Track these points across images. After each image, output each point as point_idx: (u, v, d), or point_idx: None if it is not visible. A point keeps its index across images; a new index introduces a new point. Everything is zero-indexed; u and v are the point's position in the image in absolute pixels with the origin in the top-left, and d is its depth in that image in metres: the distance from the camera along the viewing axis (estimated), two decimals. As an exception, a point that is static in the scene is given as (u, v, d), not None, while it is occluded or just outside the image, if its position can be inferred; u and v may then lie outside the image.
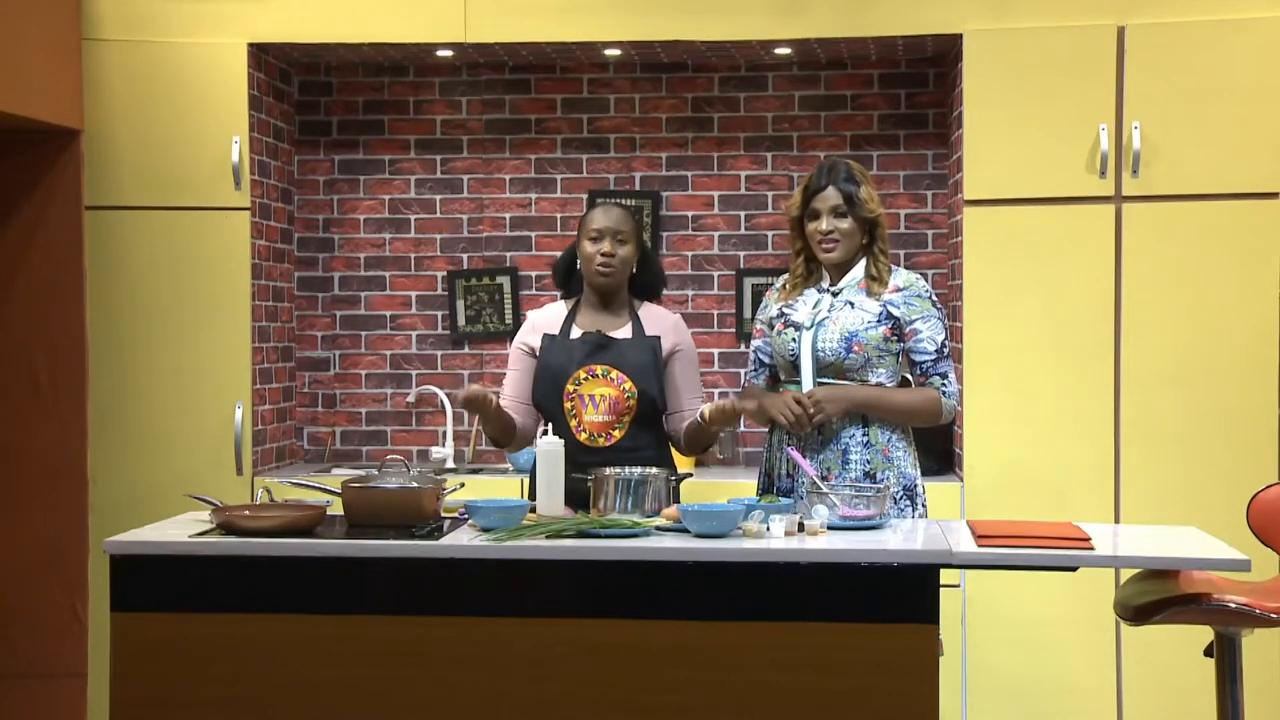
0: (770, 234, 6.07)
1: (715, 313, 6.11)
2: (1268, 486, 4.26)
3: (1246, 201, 5.27)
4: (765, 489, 4.43)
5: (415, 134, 6.20)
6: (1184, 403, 5.28)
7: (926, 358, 4.29)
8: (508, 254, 6.17)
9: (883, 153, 6.06)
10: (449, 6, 5.54)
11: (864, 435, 4.27)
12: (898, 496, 4.27)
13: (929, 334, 4.28)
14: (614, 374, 4.39)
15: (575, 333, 4.47)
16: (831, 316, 4.29)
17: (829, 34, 5.51)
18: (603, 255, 4.42)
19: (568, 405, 4.39)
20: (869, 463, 4.25)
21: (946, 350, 4.31)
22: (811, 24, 5.48)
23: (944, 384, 4.30)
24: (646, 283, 4.57)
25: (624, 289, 4.52)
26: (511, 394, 4.54)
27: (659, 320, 4.51)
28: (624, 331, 4.47)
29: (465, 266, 6.19)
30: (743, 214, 6.11)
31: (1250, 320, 5.26)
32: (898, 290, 4.30)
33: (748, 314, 6.03)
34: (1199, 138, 5.27)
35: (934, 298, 4.33)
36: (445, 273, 6.19)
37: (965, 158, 5.38)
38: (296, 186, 6.21)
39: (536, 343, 4.51)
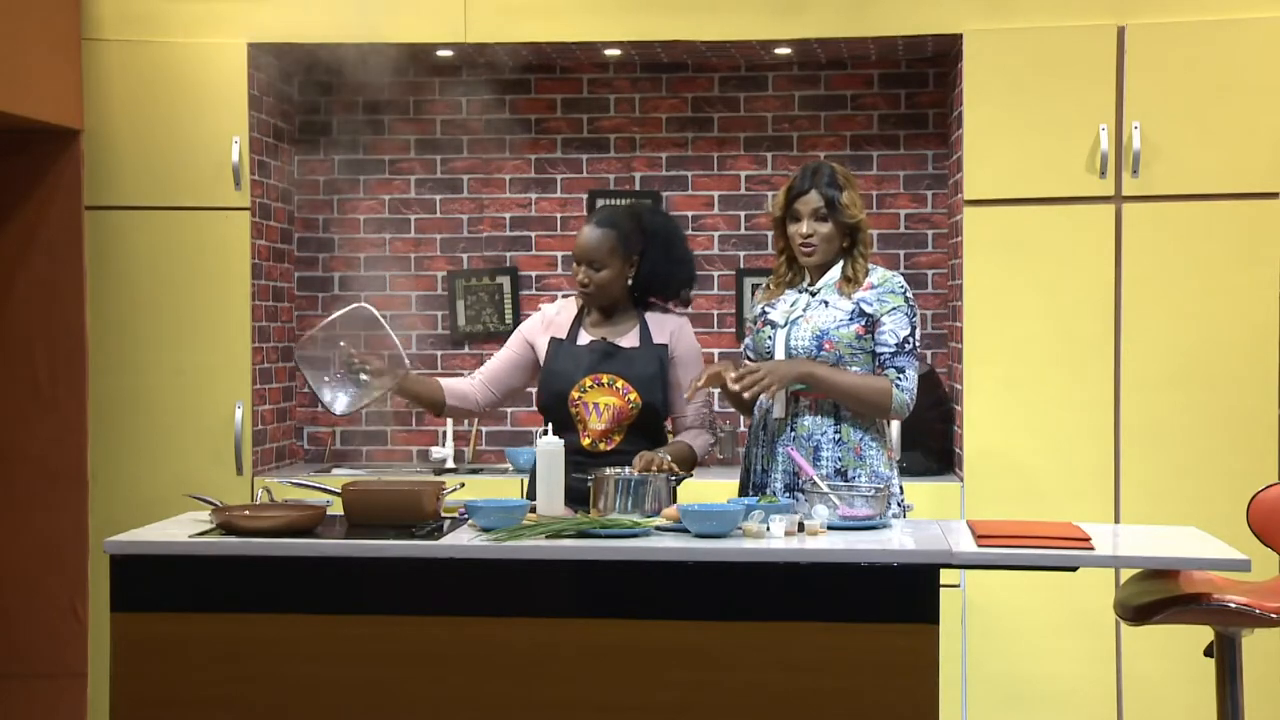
0: (770, 234, 6.03)
1: (715, 313, 6.11)
2: (1268, 486, 4.26)
3: (1246, 201, 5.27)
4: (743, 484, 4.44)
5: (415, 134, 6.20)
6: (1184, 403, 5.28)
7: (886, 350, 4.25)
8: (508, 254, 6.17)
9: (883, 153, 6.06)
10: (449, 6, 5.54)
11: (836, 433, 4.26)
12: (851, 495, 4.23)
13: (892, 327, 4.25)
14: (619, 384, 4.39)
15: (583, 338, 4.48)
16: (805, 315, 4.30)
17: (829, 34, 5.51)
18: (579, 282, 4.44)
19: (572, 411, 4.40)
20: (840, 460, 4.25)
21: (909, 347, 4.25)
22: (811, 24, 5.49)
23: (899, 378, 4.23)
24: (647, 286, 4.51)
25: (622, 299, 4.49)
26: (488, 373, 4.57)
27: (664, 325, 4.50)
28: (631, 339, 4.46)
29: (465, 266, 6.19)
30: (743, 214, 6.11)
31: (1250, 320, 5.26)
32: (872, 287, 4.28)
33: (747, 314, 6.02)
34: (1199, 138, 5.27)
35: (909, 295, 4.29)
36: (445, 273, 6.19)
37: (965, 158, 5.38)
38: (296, 186, 6.21)
39: (543, 344, 4.52)
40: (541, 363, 4.51)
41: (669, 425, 4.56)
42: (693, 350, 4.53)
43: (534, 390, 4.59)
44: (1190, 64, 5.27)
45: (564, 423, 4.40)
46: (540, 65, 6.10)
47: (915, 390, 4.27)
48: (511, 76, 6.14)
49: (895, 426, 5.46)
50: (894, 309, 4.26)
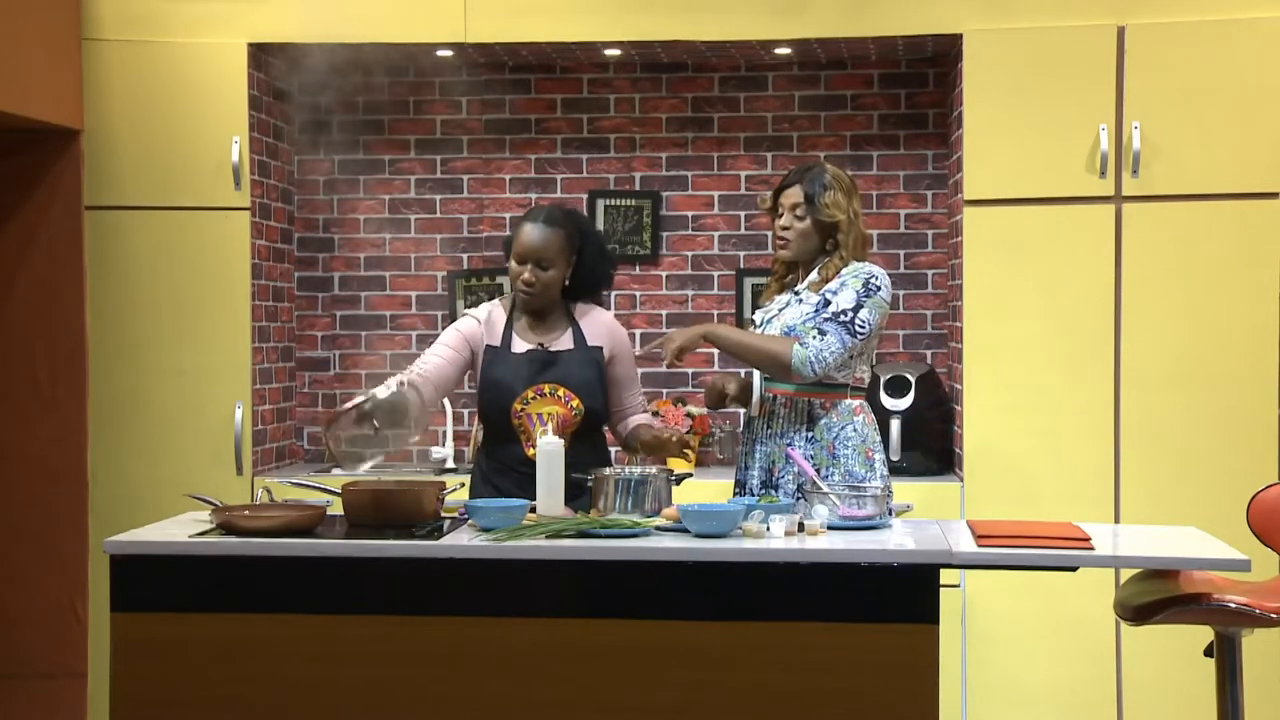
0: (770, 234, 6.04)
1: (715, 313, 6.11)
2: (1268, 486, 4.26)
3: (1246, 201, 5.27)
4: (735, 479, 4.44)
5: (415, 134, 6.20)
6: (1184, 403, 5.28)
7: (821, 315, 4.22)
8: (508, 254, 6.16)
9: (883, 153, 6.06)
10: (449, 6, 5.54)
11: (809, 431, 4.27)
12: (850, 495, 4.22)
13: (836, 299, 4.22)
14: (561, 392, 4.34)
15: (517, 345, 4.38)
16: (780, 314, 4.31)
17: (829, 34, 5.51)
18: (524, 282, 4.33)
19: (515, 423, 4.34)
20: (813, 458, 4.24)
21: (844, 320, 4.19)
22: (811, 24, 5.49)
23: (812, 338, 4.18)
24: (582, 286, 4.44)
25: (555, 300, 4.42)
26: (438, 379, 4.36)
27: (597, 326, 4.44)
28: (565, 342, 4.40)
29: (465, 266, 6.19)
30: (743, 214, 6.11)
31: (1250, 320, 5.26)
32: (840, 277, 4.28)
33: (748, 314, 6.03)
34: (1199, 138, 5.27)
35: (872, 283, 4.23)
36: (445, 273, 6.20)
37: (965, 158, 5.38)
38: (296, 186, 6.21)
39: (478, 348, 4.40)
40: (479, 369, 4.41)
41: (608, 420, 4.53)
42: (626, 348, 4.51)
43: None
44: (1190, 64, 5.27)
45: (506, 433, 4.36)
46: (540, 65, 6.10)
47: (829, 357, 4.17)
48: (511, 76, 6.14)
49: (894, 426, 5.49)
50: (846, 287, 4.24)
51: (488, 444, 4.48)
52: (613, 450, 4.56)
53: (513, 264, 4.37)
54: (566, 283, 4.40)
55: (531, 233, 4.34)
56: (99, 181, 5.57)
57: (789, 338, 4.22)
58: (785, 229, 4.34)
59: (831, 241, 4.32)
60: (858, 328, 4.20)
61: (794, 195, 4.33)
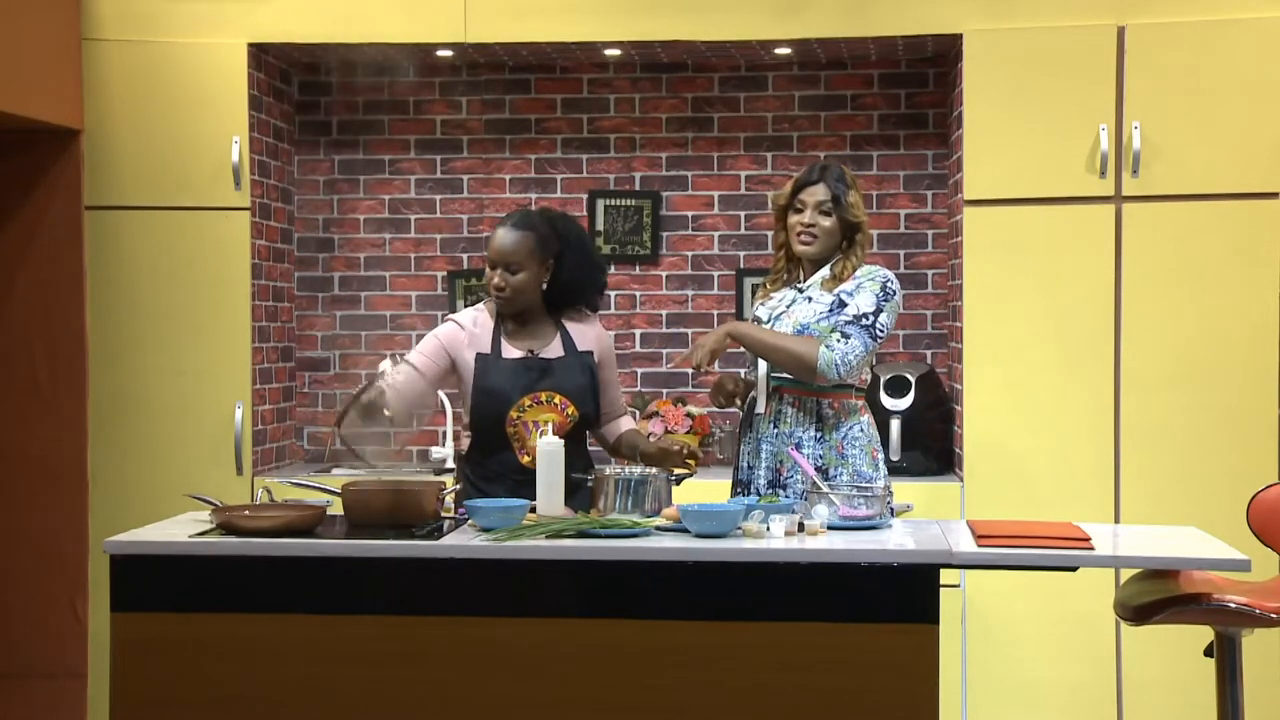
0: (770, 234, 6.05)
1: (715, 313, 6.11)
2: (1268, 486, 4.26)
3: (1246, 201, 5.27)
4: (734, 482, 4.44)
5: (415, 134, 6.20)
6: (1184, 403, 5.28)
7: (839, 317, 4.22)
8: (508, 254, 6.16)
9: (883, 153, 6.06)
10: (449, 6, 5.54)
11: (817, 431, 4.27)
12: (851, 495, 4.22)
13: (855, 302, 4.23)
14: (557, 399, 4.33)
15: (508, 352, 4.36)
16: (789, 311, 4.31)
17: (829, 34, 5.51)
18: (494, 286, 4.32)
19: (510, 430, 4.33)
20: (822, 458, 4.25)
21: (866, 324, 4.20)
22: (811, 24, 5.49)
23: (836, 339, 4.18)
24: (564, 293, 4.40)
25: (537, 306, 4.40)
26: (412, 396, 4.30)
27: (585, 331, 4.44)
28: (555, 349, 4.39)
29: (465, 266, 6.19)
30: (743, 214, 6.11)
31: (1250, 320, 5.26)
32: (854, 279, 4.29)
33: (748, 314, 6.02)
34: (1199, 138, 5.27)
35: (888, 285, 4.27)
36: (445, 273, 6.20)
37: (965, 158, 5.38)
38: (296, 186, 6.21)
39: (467, 359, 4.36)
40: (470, 379, 4.36)
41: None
42: (611, 351, 4.53)
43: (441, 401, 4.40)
44: (1190, 64, 5.27)
45: (499, 441, 4.33)
46: (540, 65, 6.10)
47: (854, 360, 4.18)
48: (511, 76, 6.14)
49: (894, 426, 5.49)
50: (864, 289, 4.25)
51: (477, 452, 4.43)
52: (593, 450, 4.56)
53: (487, 268, 4.37)
54: (545, 287, 4.37)
55: (501, 237, 4.33)
56: (99, 181, 5.57)
57: (814, 339, 4.21)
58: (810, 225, 4.32)
59: (847, 241, 4.33)
60: (878, 331, 4.24)
61: (819, 193, 4.31)
